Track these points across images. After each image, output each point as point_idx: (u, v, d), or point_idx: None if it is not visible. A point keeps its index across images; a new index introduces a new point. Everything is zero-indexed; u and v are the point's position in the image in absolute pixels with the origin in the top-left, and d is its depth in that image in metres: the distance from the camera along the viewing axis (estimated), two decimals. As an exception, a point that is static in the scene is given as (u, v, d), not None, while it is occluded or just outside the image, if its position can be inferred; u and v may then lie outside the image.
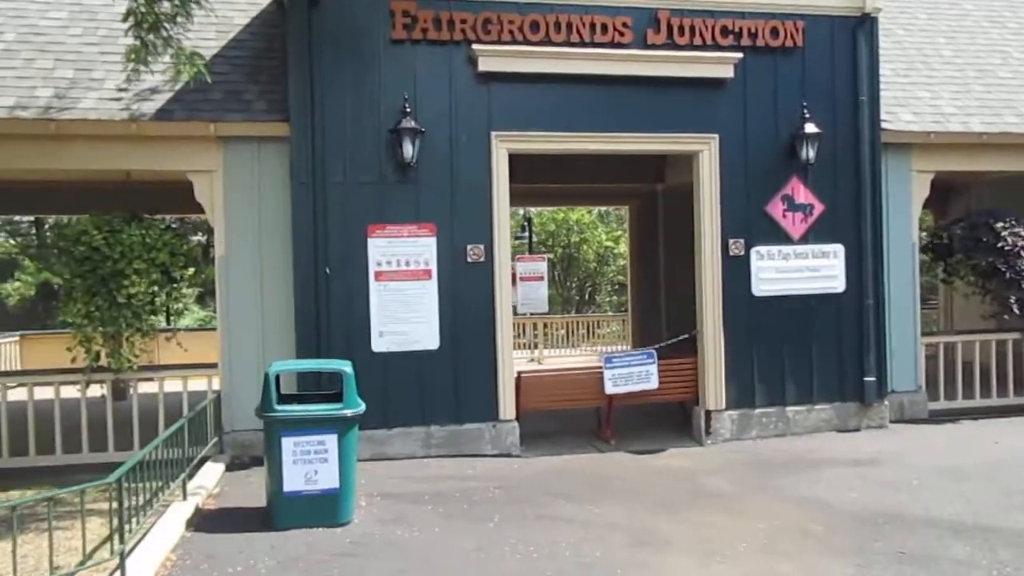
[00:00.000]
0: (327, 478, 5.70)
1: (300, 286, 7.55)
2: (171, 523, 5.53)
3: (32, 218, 24.67)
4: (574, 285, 29.23)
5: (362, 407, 5.90)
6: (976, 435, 8.27)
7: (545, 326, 19.53)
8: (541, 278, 17.55)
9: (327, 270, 7.56)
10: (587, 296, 29.55)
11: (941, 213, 12.91)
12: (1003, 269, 8.93)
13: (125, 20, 6.48)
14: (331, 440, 5.71)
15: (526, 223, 22.22)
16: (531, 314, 18.61)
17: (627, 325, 15.45)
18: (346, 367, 5.87)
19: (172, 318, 21.64)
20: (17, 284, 24.54)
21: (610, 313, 24.41)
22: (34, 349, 14.58)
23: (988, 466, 7.01)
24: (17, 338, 14.96)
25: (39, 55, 8.09)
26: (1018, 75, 10.11)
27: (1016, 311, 9.07)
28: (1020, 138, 9.09)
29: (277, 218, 7.69)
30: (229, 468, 7.37)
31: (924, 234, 9.66)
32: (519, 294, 17.48)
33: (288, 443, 5.66)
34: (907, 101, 9.32)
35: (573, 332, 20.46)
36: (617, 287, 27.66)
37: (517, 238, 24.10)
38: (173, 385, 7.97)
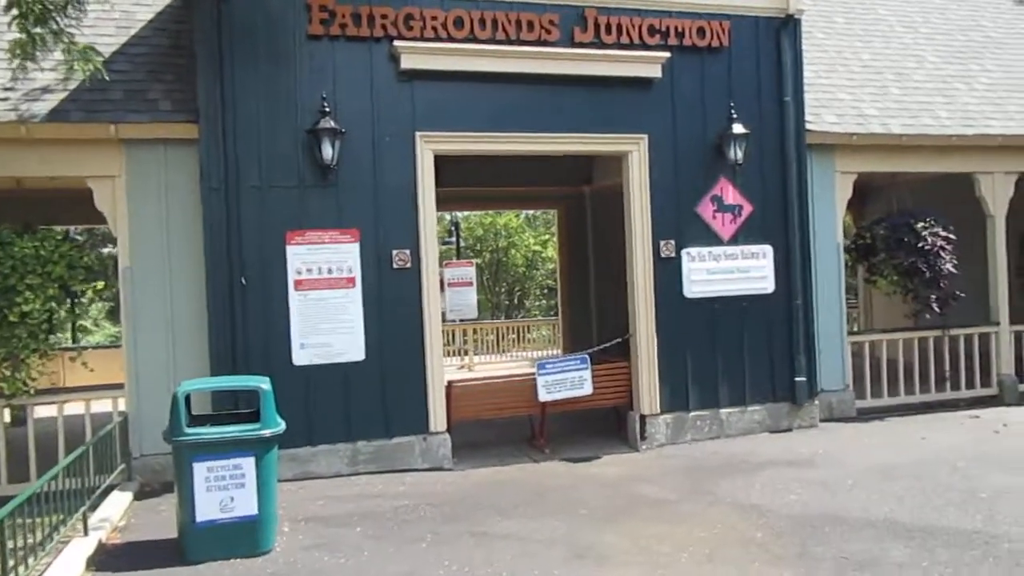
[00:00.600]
0: (244, 504, 5.28)
1: (213, 298, 7.08)
2: (69, 563, 5.02)
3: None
4: (503, 290, 29.03)
5: (281, 426, 5.51)
6: (903, 432, 8.38)
7: (475, 332, 19.27)
8: (470, 284, 17.34)
9: (243, 280, 7.11)
10: (517, 301, 29.40)
11: (859, 214, 13.22)
12: (923, 268, 9.10)
13: (7, 11, 5.91)
14: (248, 463, 5.30)
15: (453, 228, 21.90)
16: (460, 320, 18.37)
17: (557, 330, 15.33)
18: (263, 384, 5.47)
19: (79, 335, 20.52)
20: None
21: (540, 318, 24.32)
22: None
23: (918, 463, 7.06)
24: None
25: (-85, 51, 7.38)
26: (932, 78, 10.37)
27: (936, 309, 9.26)
28: (937, 140, 9.29)
29: (187, 226, 7.20)
30: (138, 496, 6.83)
31: (845, 235, 9.78)
32: (448, 300, 17.23)
33: (200, 468, 5.22)
34: (830, 103, 9.42)
35: (503, 338, 20.27)
36: (547, 291, 27.60)
37: (445, 243, 23.75)
38: (77, 408, 7.37)
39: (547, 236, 26.47)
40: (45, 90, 7.15)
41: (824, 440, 8.07)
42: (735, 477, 6.87)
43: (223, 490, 5.25)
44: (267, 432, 5.34)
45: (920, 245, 9.09)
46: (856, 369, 9.25)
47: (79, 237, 15.43)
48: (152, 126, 7.12)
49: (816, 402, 8.67)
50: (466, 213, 24.84)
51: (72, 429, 7.20)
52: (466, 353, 18.36)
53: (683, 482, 6.85)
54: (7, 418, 7.31)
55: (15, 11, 5.91)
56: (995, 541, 5.10)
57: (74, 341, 16.15)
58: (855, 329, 13.59)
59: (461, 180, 10.79)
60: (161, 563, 5.20)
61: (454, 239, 21.68)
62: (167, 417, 5.51)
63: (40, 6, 5.95)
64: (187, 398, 5.44)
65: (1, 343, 6.74)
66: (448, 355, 18.89)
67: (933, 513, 5.70)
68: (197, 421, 5.64)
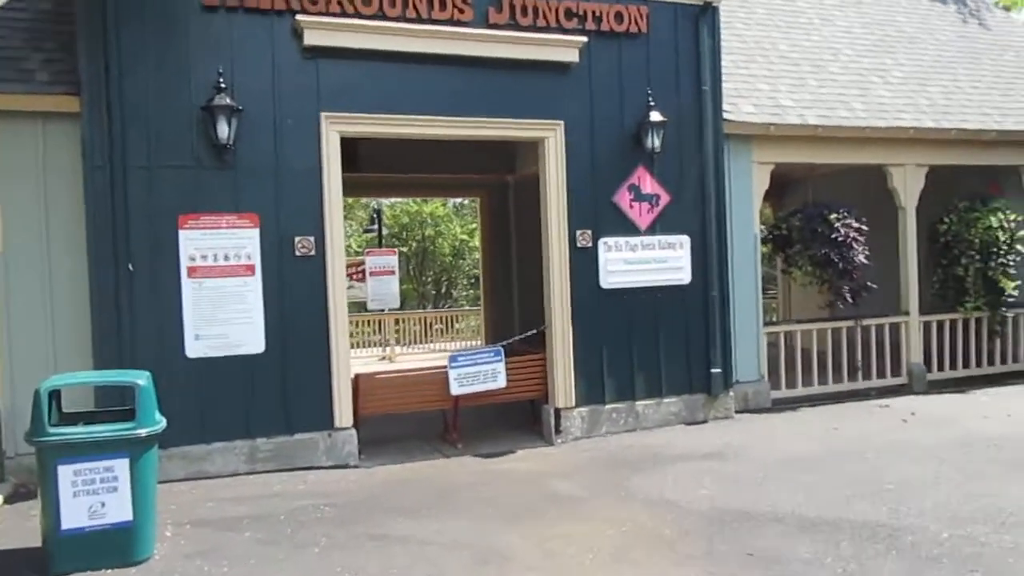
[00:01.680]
0: (117, 510, 4.85)
1: (97, 286, 6.57)
2: (-87, 578, 4.53)
3: None
4: (430, 279, 28.65)
5: (161, 424, 5.08)
6: (816, 422, 8.41)
7: (398, 322, 18.88)
8: (392, 272, 16.97)
9: (130, 267, 6.62)
10: (443, 290, 29.05)
11: (778, 205, 13.34)
12: (836, 259, 9.16)
13: None
14: (121, 465, 4.86)
15: (376, 215, 21.40)
16: (387, 310, 17.97)
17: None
18: (140, 379, 5.03)
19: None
20: None
21: (467, 308, 24.03)
22: None
23: (827, 454, 7.07)
24: None
25: None
26: (848, 71, 10.46)
27: (849, 299, 9.35)
28: (851, 131, 9.35)
29: (68, 207, 6.65)
30: (9, 499, 6.30)
31: (763, 226, 9.80)
32: (369, 289, 16.84)
33: (66, 472, 4.77)
34: (748, 93, 9.38)
35: (430, 328, 19.94)
36: (474, 281, 27.33)
37: (367, 231, 23.25)
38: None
39: (474, 225, 26.20)
40: (-98, 57, 6.50)
41: (738, 432, 8.03)
42: (648, 471, 6.74)
43: (93, 495, 4.81)
44: (143, 431, 4.91)
45: (833, 236, 9.15)
46: (772, 360, 9.27)
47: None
48: (27, 98, 6.54)
49: (731, 393, 8.64)
50: (391, 201, 24.35)
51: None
52: (388, 344, 17.96)
53: (596, 477, 6.69)
54: None
55: None
56: (899, 534, 5.07)
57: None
58: (773, 320, 13.74)
59: (383, 167, 10.46)
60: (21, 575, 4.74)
61: (376, 227, 21.17)
62: (36, 416, 5.04)
63: None
64: (55, 394, 4.97)
65: None
66: (370, 345, 18.50)
67: (841, 506, 5.66)
68: (73, 418, 5.17)
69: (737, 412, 8.69)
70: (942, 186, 10.04)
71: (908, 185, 9.78)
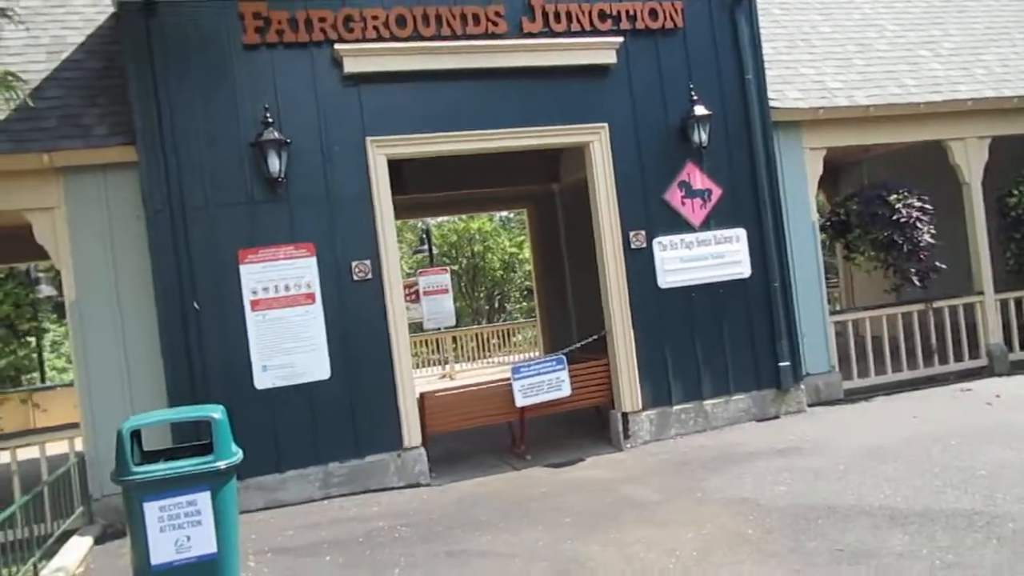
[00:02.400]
0: (202, 543, 4.93)
1: (166, 326, 6.75)
2: (15, 621, 4.68)
3: None
4: (482, 295, 28.74)
5: (238, 456, 5.16)
6: (893, 411, 8.14)
7: (455, 339, 18.97)
8: (446, 291, 17.01)
9: (195, 305, 6.78)
10: (497, 305, 29.10)
11: (833, 191, 13.04)
12: (900, 241, 8.88)
13: (-82, 38, 5.57)
14: (203, 499, 4.95)
15: (424, 235, 21.57)
16: (442, 328, 18.05)
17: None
18: (215, 413, 5.12)
19: (55, 375, 20.01)
20: None
21: (521, 320, 24.03)
22: None
23: (910, 443, 6.82)
24: None
25: None
26: (895, 46, 10.18)
27: (916, 282, 9.05)
28: (905, 108, 9.09)
29: (133, 253, 6.87)
30: (99, 540, 6.48)
31: (820, 213, 9.57)
32: (424, 309, 16.92)
33: (152, 508, 4.87)
34: (792, 79, 9.20)
35: (486, 343, 19.99)
36: (526, 293, 27.33)
37: (417, 251, 23.42)
38: (34, 452, 7.01)
39: (522, 237, 26.23)
40: (-28, 122, 6.80)
41: (812, 425, 7.82)
42: (723, 471, 6.60)
43: (178, 529, 4.90)
44: (221, 464, 4.99)
45: (895, 218, 8.87)
46: (841, 349, 9.02)
47: (43, 275, 15.04)
48: (88, 152, 6.79)
49: (802, 386, 8.42)
50: (438, 220, 24.55)
51: (32, 474, 6.86)
52: (447, 362, 18.05)
53: (670, 480, 6.58)
54: None
55: (-75, 39, 5.57)
56: (998, 521, 4.85)
57: (43, 381, 15.70)
58: (837, 308, 13.40)
59: (429, 187, 10.54)
60: (117, 613, 4.87)
61: (427, 247, 21.34)
62: (120, 456, 5.17)
63: (-48, 33, 5.62)
64: (135, 434, 5.10)
65: (-57, 390, 6.40)
66: (430, 364, 18.63)
67: (931, 495, 5.45)
68: (153, 456, 5.30)
69: (809, 405, 8.47)
70: (1008, 157, 9.66)
71: (971, 159, 9.44)
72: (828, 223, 9.62)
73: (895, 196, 8.98)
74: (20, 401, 7.38)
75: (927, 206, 9.02)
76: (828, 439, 7.23)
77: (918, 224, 8.90)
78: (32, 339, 7.19)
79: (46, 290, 13.09)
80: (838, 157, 10.90)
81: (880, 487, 5.72)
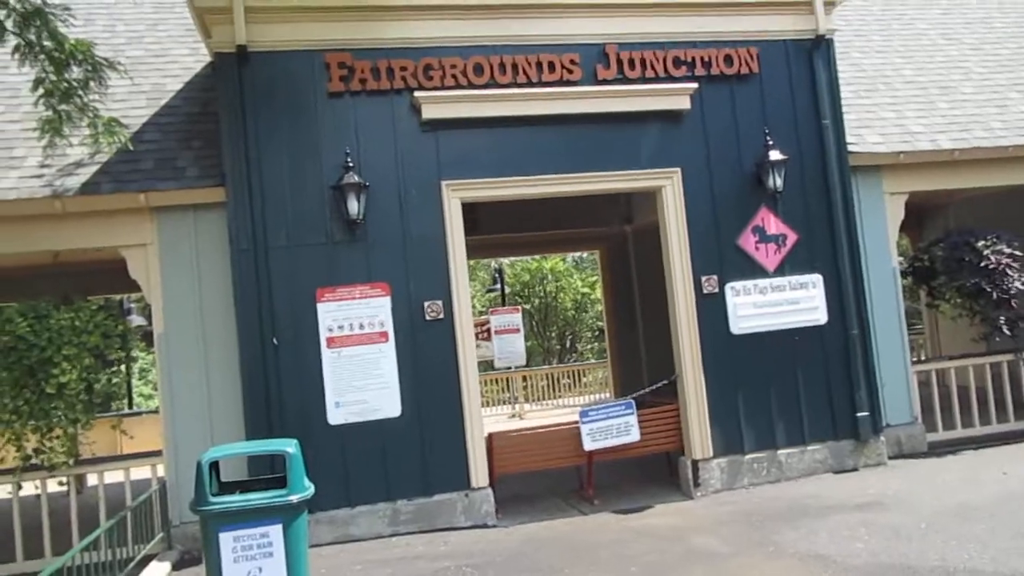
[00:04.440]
0: (273, 575, 5.07)
1: (246, 360, 7.00)
2: (97, 642, 4.87)
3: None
4: (554, 335, 28.71)
5: (310, 490, 5.29)
6: (981, 467, 7.76)
7: (525, 379, 18.98)
8: (517, 330, 17.12)
9: (274, 341, 7.02)
10: (568, 345, 29.02)
11: (917, 236, 12.64)
12: (989, 289, 8.55)
13: (34, 90, 6.03)
14: (275, 531, 5.09)
15: (497, 275, 21.79)
16: (513, 368, 18.13)
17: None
18: (289, 447, 5.28)
19: (141, 402, 20.88)
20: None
21: (592, 361, 23.89)
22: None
23: (999, 501, 6.49)
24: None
25: (-44, 136, 7.63)
26: (982, 90, 9.91)
27: (1006, 331, 8.67)
28: (992, 152, 8.81)
29: (219, 289, 7.18)
30: (177, 566, 6.71)
31: (902, 258, 9.30)
32: (495, 348, 17.04)
33: (227, 538, 5.03)
34: (872, 122, 9.04)
35: (556, 383, 19.93)
36: (598, 333, 27.17)
37: (489, 290, 23.65)
38: (119, 477, 7.35)
39: (595, 278, 26.19)
40: (78, 165, 7.27)
41: (893, 479, 7.52)
42: (797, 524, 6.40)
43: (251, 560, 5.04)
44: (294, 498, 5.13)
45: (983, 265, 8.55)
46: (924, 400, 8.68)
47: (134, 306, 15.81)
48: (180, 192, 7.17)
49: (882, 438, 8.12)
50: (511, 260, 24.76)
51: (117, 497, 7.17)
52: (517, 401, 18.06)
53: (741, 532, 6.41)
54: (64, 487, 7.28)
55: (41, 89, 6.03)
56: (1092, 589, 4.58)
57: (130, 407, 16.41)
58: (920, 357, 12.90)
59: (503, 227, 10.69)
60: (190, 640, 5.02)
61: (499, 286, 21.54)
62: (200, 485, 5.37)
63: (65, 84, 6.07)
64: (214, 465, 5.29)
65: (40, 415, 6.76)
66: (499, 404, 18.67)
67: (1020, 559, 5.17)
68: (229, 488, 5.48)
69: (890, 458, 8.15)
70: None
71: (1064, 203, 9.06)
72: (911, 269, 9.34)
73: (983, 242, 8.67)
74: (110, 427, 7.73)
75: (1017, 252, 8.67)
76: (909, 494, 6.94)
77: (1008, 271, 8.55)
78: (122, 367, 7.51)
79: (137, 320, 13.77)
80: (922, 201, 10.59)
81: (964, 548, 5.45)
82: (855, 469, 7.95)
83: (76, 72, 6.06)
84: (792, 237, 8.04)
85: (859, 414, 7.95)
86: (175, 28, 9.73)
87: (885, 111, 9.29)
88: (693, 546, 6.17)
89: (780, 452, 7.85)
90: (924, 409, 8.61)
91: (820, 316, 8.04)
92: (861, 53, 10.51)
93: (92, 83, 6.14)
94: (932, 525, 6.03)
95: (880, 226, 8.55)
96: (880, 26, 11.40)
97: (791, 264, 8.03)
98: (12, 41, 6.13)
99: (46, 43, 6.03)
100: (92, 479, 7.97)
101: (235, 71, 7.05)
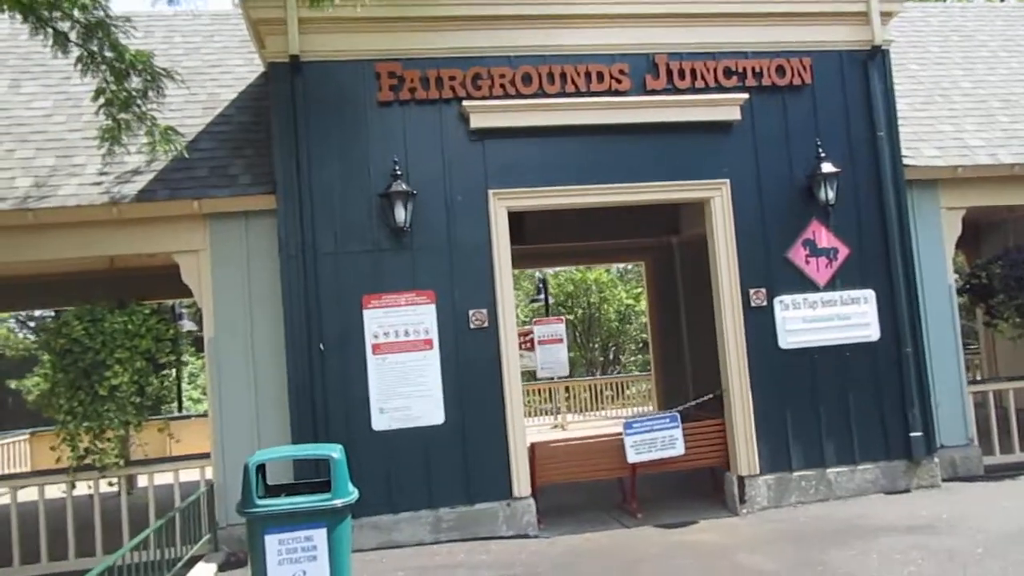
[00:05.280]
0: (317, 579, 5.10)
1: (293, 365, 7.09)
2: (144, 639, 4.96)
3: (52, 313, 24.70)
4: (597, 346, 28.56)
5: (354, 495, 5.33)
6: (1041, 491, 7.50)
7: (568, 390, 18.89)
8: (560, 340, 17.08)
9: (321, 346, 7.09)
10: (611, 357, 28.83)
11: (974, 252, 12.27)
12: (1051, 308, 8.27)
13: (95, 99, 6.22)
14: (320, 535, 5.13)
15: (541, 285, 21.76)
16: (554, 378, 18.06)
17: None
18: (334, 452, 5.32)
19: (191, 405, 21.32)
20: (36, 379, 24.30)
21: (636, 373, 23.70)
22: (43, 446, 14.17)
23: (1061, 527, 6.25)
24: (27, 435, 14.57)
25: (20, 145, 7.89)
26: (1045, 101, 9.61)
27: (1069, 351, 8.37)
28: (1054, 167, 8.52)
29: (268, 295, 7.29)
30: (223, 567, 6.80)
31: (958, 275, 9.04)
32: (539, 358, 17.01)
33: (272, 541, 5.08)
34: (928, 135, 8.83)
35: (599, 395, 19.79)
36: (642, 346, 26.95)
37: (533, 300, 23.62)
38: (168, 478, 7.50)
39: (639, 290, 26.01)
40: (135, 172, 7.47)
41: (947, 502, 7.29)
42: (847, 546, 6.24)
43: (295, 563, 5.08)
44: (338, 502, 5.17)
45: (1044, 283, 8.28)
46: (981, 421, 8.40)
47: (185, 311, 16.15)
48: (232, 199, 7.30)
49: (936, 459, 7.88)
50: (555, 270, 24.73)
51: (166, 498, 7.31)
52: (559, 412, 17.98)
53: (788, 551, 6.27)
54: (114, 487, 7.44)
55: (101, 99, 6.21)
56: None
57: (180, 410, 16.74)
58: (977, 377, 12.51)
59: (548, 237, 10.70)
60: (234, 641, 5.07)
61: (543, 296, 21.51)
62: (248, 487, 5.44)
63: (125, 93, 6.24)
64: (260, 468, 5.36)
65: (93, 416, 6.93)
66: (542, 414, 18.61)
67: (1083, 588, 4.97)
68: (275, 491, 5.55)
69: (944, 480, 7.90)
70: None
71: None
72: (968, 286, 9.07)
73: (1044, 260, 8.39)
74: (157, 430, 7.88)
75: (1079, 271, 8.37)
76: (964, 518, 6.72)
77: (1069, 290, 8.25)
78: (172, 371, 7.66)
79: (188, 325, 14.07)
80: (979, 217, 10.31)
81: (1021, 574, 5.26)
82: (907, 490, 7.72)
83: (135, 82, 6.23)
84: (844, 251, 7.88)
85: (912, 434, 7.74)
86: (230, 39, 9.96)
87: (943, 124, 9.06)
88: (738, 563, 6.05)
89: (829, 471, 7.67)
90: (980, 431, 8.34)
91: (872, 332, 7.85)
92: (918, 65, 10.28)
93: (150, 93, 6.30)
94: (989, 551, 5.83)
95: (936, 242, 8.33)
96: (939, 37, 11.15)
97: (842, 279, 7.87)
98: (75, 52, 6.32)
99: (108, 54, 6.21)
100: (142, 480, 8.14)
101: (287, 80, 7.17)
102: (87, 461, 7.08)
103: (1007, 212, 10.66)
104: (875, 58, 8.05)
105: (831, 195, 7.74)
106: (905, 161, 8.14)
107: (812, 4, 7.93)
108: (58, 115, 8.38)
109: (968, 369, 9.44)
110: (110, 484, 7.37)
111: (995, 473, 8.17)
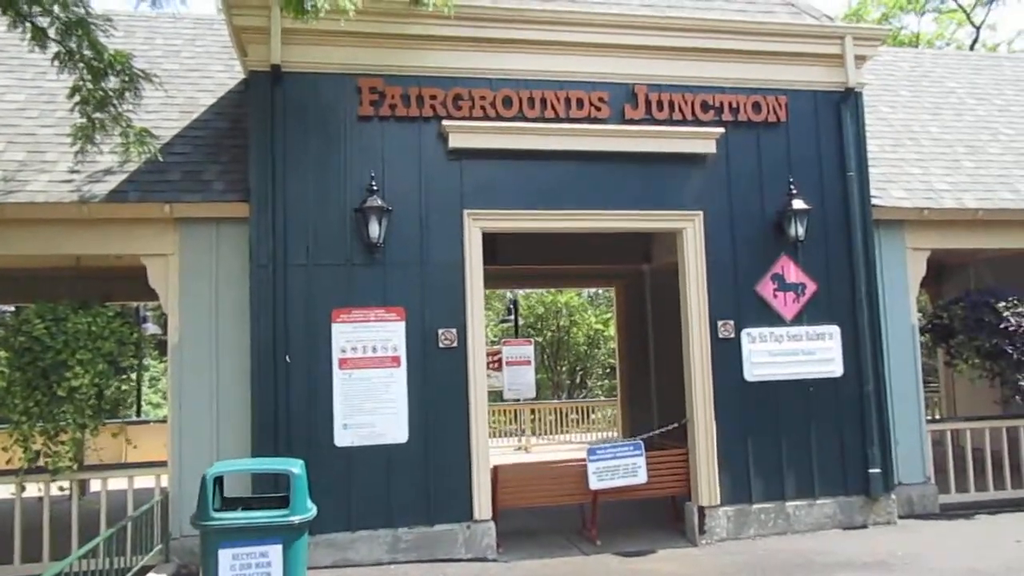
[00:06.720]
0: (270, 596, 5.02)
1: (258, 376, 6.99)
2: (87, 652, 4.83)
3: (12, 308, 24.17)
4: (565, 369, 28.58)
5: (312, 512, 5.27)
6: (994, 532, 7.61)
7: (533, 412, 18.85)
8: (528, 362, 17.03)
9: (287, 358, 7.02)
10: (578, 380, 28.87)
11: (937, 293, 12.53)
12: (1010, 351, 8.44)
13: (71, 97, 6.14)
14: (275, 551, 5.06)
15: (512, 306, 21.77)
16: (522, 400, 18.01)
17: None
18: (294, 467, 5.27)
19: (150, 410, 20.90)
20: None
21: (602, 398, 23.72)
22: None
23: (1010, 569, 6.35)
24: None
25: (-10, 137, 7.76)
26: (1009, 151, 9.88)
27: (1026, 395, 8.55)
28: (1017, 214, 8.76)
29: (235, 303, 7.20)
30: (173, 580, 6.66)
31: (921, 315, 9.21)
32: (506, 379, 16.95)
33: (226, 555, 5.01)
34: (897, 177, 9.03)
35: (565, 418, 19.76)
36: (609, 371, 27.02)
37: (503, 321, 23.63)
38: (144, 482, 7.34)
39: (608, 315, 26.11)
40: (107, 172, 7.36)
41: (903, 539, 7.38)
42: (802, 579, 6.28)
43: (248, 579, 5.00)
44: (295, 519, 5.11)
45: (1004, 326, 8.46)
46: (938, 460, 8.54)
47: (150, 314, 15.90)
48: (204, 205, 7.22)
49: (893, 496, 7.98)
50: (526, 292, 24.76)
51: (119, 506, 7.15)
52: (524, 434, 17.93)
53: (745, 583, 6.30)
54: (65, 492, 7.25)
55: (77, 97, 6.13)
56: (1106, 668, 4.44)
57: (138, 415, 16.43)
58: (936, 415, 12.73)
59: (518, 258, 10.72)
60: (181, 657, 4.96)
61: (512, 317, 21.52)
62: (202, 499, 5.34)
63: (101, 92, 6.17)
64: (218, 480, 5.28)
65: (49, 418, 6.77)
66: (506, 435, 18.53)
67: (1030, 630, 5.04)
68: (232, 504, 5.47)
69: (901, 517, 8.00)
70: None
71: (1088, 269, 8.97)
72: (930, 326, 9.25)
73: (1003, 304, 8.59)
74: (112, 435, 7.70)
75: (1039, 316, 8.57)
76: (919, 556, 6.81)
77: (1028, 334, 8.44)
78: (133, 375, 7.52)
79: (152, 328, 13.84)
80: (943, 258, 10.54)
81: (975, 617, 5.33)
82: (864, 526, 7.81)
83: (113, 82, 6.17)
84: (811, 287, 8.00)
85: (871, 470, 7.83)
86: (212, 44, 9.91)
87: (911, 167, 9.28)
88: (695, 595, 6.06)
89: (788, 504, 7.73)
90: (937, 469, 8.48)
91: (836, 368, 7.96)
92: (889, 107, 10.53)
93: (127, 93, 6.25)
94: (942, 590, 5.90)
95: (900, 281, 8.49)
96: (909, 82, 11.44)
97: (809, 314, 7.98)
98: (53, 48, 6.25)
99: (86, 52, 6.15)
100: (95, 484, 7.94)
101: (267, 89, 7.14)
102: (39, 463, 6.91)
103: (970, 255, 10.92)
104: (848, 99, 8.23)
105: (801, 231, 7.86)
106: (873, 201, 8.31)
107: (789, 44, 8.09)
108: (31, 110, 8.25)
109: (927, 407, 9.60)
110: (61, 489, 7.19)
111: (950, 511, 8.30)
